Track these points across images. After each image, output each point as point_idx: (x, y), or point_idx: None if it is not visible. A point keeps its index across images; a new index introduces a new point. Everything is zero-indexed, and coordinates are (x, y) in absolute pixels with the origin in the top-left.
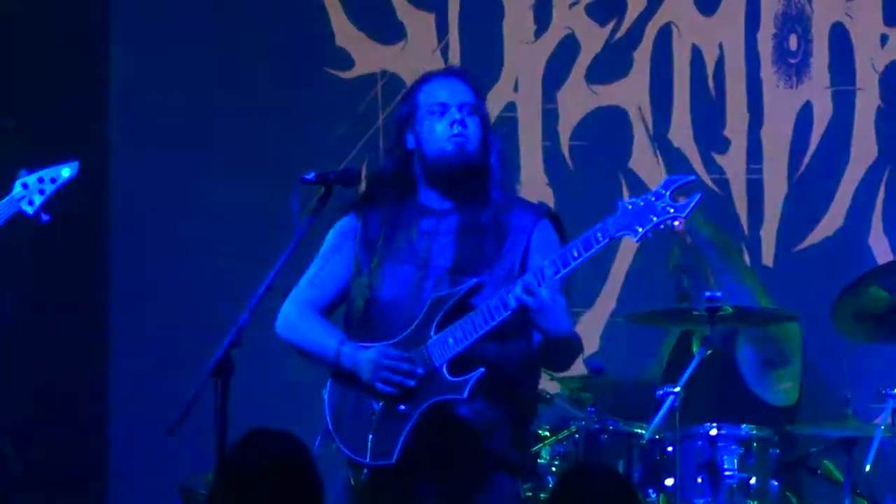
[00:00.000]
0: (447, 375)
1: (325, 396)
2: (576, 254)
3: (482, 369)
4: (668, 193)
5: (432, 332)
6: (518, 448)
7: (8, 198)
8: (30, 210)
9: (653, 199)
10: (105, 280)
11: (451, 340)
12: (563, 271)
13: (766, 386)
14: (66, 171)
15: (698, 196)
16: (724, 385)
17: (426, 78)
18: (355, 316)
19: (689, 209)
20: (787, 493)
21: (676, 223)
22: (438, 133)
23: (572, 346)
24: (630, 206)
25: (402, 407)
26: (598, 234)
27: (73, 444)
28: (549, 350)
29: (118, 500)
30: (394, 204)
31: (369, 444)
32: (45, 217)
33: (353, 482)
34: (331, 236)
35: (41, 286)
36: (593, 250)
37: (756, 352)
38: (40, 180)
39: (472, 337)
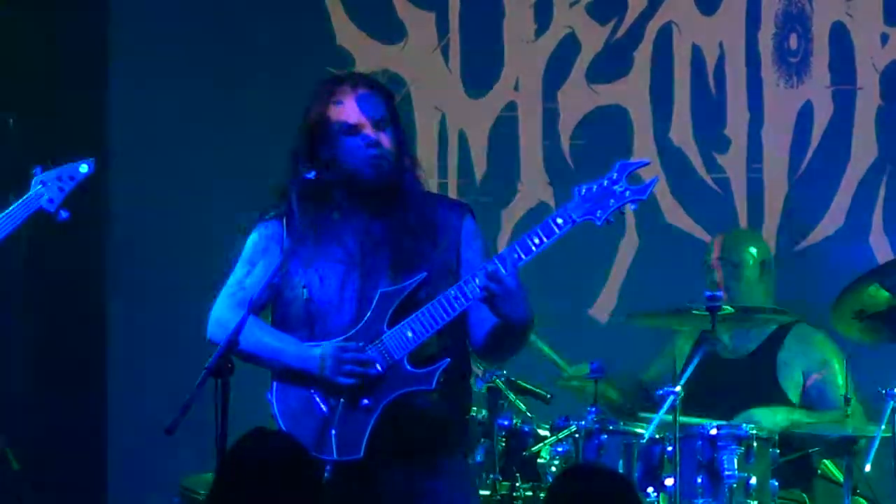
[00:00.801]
0: (410, 368)
1: (273, 400)
2: (537, 241)
3: (447, 359)
4: (623, 178)
5: (385, 327)
6: (465, 433)
7: (27, 196)
8: (51, 208)
9: (607, 183)
10: (103, 279)
11: (409, 334)
12: (525, 259)
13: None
14: (83, 168)
15: (655, 179)
16: (757, 381)
17: (333, 91)
18: (293, 317)
19: (648, 192)
20: (793, 493)
21: (632, 207)
22: (355, 153)
23: (528, 332)
24: (585, 192)
25: (366, 401)
26: (559, 220)
27: (72, 444)
28: (506, 336)
29: (118, 500)
30: (317, 208)
31: (333, 440)
32: (64, 214)
33: None
34: (255, 240)
35: (39, 285)
36: (554, 237)
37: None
38: (59, 178)
39: (432, 329)
